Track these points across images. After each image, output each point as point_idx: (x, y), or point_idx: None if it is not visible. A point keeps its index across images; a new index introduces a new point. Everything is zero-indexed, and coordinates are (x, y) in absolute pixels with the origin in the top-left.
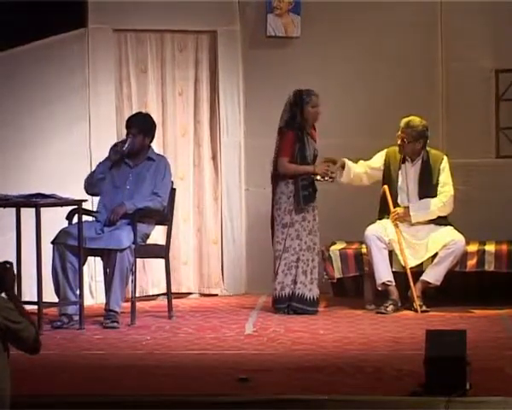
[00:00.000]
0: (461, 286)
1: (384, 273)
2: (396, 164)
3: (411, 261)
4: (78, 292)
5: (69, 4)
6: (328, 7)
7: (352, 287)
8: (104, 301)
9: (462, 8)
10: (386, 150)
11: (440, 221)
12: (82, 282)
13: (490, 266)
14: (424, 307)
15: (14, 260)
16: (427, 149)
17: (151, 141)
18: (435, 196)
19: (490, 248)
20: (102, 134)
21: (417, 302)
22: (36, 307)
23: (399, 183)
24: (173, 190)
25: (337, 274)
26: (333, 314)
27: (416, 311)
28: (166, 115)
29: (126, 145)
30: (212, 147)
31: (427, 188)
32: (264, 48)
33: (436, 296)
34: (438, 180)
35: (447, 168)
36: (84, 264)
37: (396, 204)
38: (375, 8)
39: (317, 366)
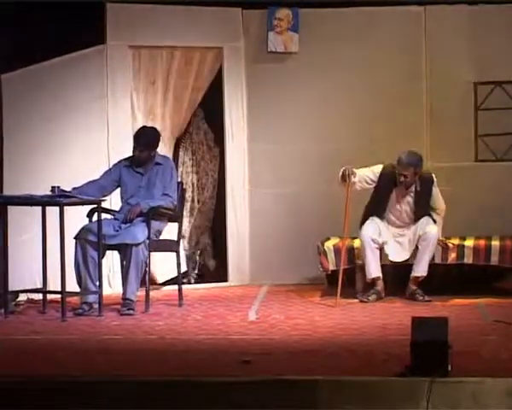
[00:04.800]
0: (443, 277)
1: (374, 270)
2: (390, 184)
3: (403, 255)
4: (97, 283)
5: (90, 23)
6: (324, 26)
7: (345, 278)
8: (121, 290)
9: (445, 29)
10: (381, 168)
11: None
12: (101, 273)
13: (469, 259)
14: (426, 298)
15: (39, 254)
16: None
17: (156, 149)
18: (429, 210)
19: (469, 243)
20: (119, 139)
21: (418, 295)
22: (60, 296)
23: (390, 203)
24: (183, 190)
25: (331, 266)
26: (327, 303)
27: (416, 299)
28: (178, 124)
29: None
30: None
31: (422, 207)
32: (265, 62)
33: (439, 286)
34: (431, 197)
35: (437, 189)
36: (103, 257)
37: (382, 214)
38: (365, 27)
39: (313, 350)
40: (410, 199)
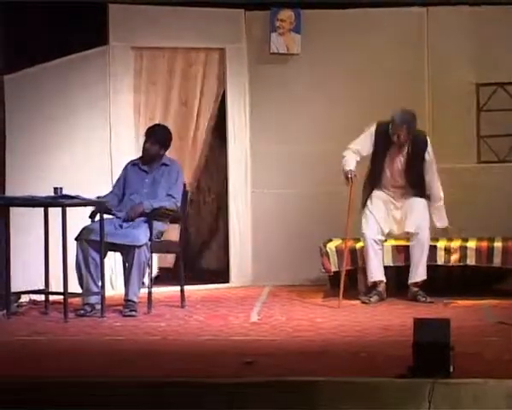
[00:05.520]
0: (445, 279)
1: (376, 273)
2: (385, 145)
3: (396, 228)
4: (99, 284)
5: (92, 25)
6: (326, 27)
7: (347, 279)
8: (123, 291)
9: (447, 30)
10: (374, 130)
11: (416, 193)
12: (103, 274)
13: (471, 261)
14: (428, 299)
15: (41, 255)
16: None
17: (166, 150)
18: (422, 171)
19: (471, 244)
20: (122, 140)
21: (420, 297)
22: (62, 297)
23: (386, 163)
24: (186, 193)
25: (333, 268)
26: (329, 304)
27: (418, 301)
28: (180, 125)
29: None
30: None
31: (414, 170)
32: (267, 63)
33: (442, 287)
34: (424, 162)
35: (432, 156)
36: (104, 257)
37: (379, 180)
38: (367, 28)
39: (315, 351)
40: (402, 159)
